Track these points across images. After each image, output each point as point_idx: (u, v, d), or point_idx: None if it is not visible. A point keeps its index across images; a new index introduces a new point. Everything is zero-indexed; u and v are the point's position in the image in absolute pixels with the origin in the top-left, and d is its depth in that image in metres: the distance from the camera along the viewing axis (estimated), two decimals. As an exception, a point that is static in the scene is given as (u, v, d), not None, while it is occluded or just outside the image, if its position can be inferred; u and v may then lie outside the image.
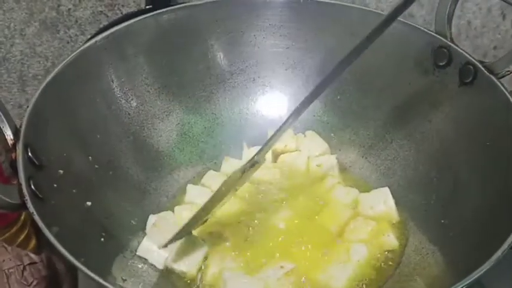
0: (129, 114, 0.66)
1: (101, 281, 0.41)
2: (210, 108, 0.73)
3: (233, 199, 0.63)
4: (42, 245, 0.83)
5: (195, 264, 0.55)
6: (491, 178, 0.56)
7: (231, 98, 0.74)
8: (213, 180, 0.66)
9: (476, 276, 0.42)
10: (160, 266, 0.56)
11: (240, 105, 0.74)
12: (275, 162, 0.71)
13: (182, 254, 0.55)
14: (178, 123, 0.71)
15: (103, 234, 0.54)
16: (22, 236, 0.80)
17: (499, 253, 0.44)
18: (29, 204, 0.44)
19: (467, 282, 0.42)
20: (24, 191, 0.45)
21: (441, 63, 0.63)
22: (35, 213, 0.44)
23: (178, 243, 0.56)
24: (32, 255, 0.69)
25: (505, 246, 0.44)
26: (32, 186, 0.47)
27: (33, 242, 0.83)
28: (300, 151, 0.71)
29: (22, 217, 0.80)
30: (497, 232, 0.46)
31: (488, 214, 0.53)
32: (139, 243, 0.59)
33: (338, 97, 0.72)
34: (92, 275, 0.41)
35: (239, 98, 0.74)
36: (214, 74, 0.72)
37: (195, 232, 0.58)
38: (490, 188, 0.55)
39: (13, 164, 0.48)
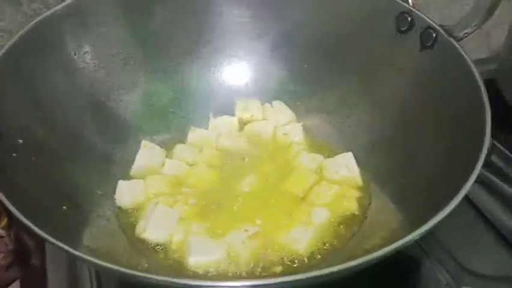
0: (93, 85, 0.65)
1: (62, 245, 0.41)
2: (177, 78, 0.72)
3: (200, 166, 0.64)
4: (13, 220, 0.82)
5: (167, 233, 0.56)
6: (447, 139, 0.57)
7: (197, 69, 0.73)
8: (182, 153, 0.66)
9: (427, 228, 0.43)
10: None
11: (207, 76, 0.74)
12: (241, 131, 0.71)
13: (155, 224, 0.56)
14: (145, 94, 0.70)
15: (67, 204, 0.54)
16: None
17: (447, 209, 0.45)
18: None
19: (420, 232, 0.43)
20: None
21: (403, 28, 0.64)
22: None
23: (150, 214, 0.56)
24: (0, 230, 0.68)
25: (455, 202, 0.45)
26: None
27: (5, 220, 0.82)
28: (267, 120, 0.71)
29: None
30: (450, 189, 0.47)
31: (445, 172, 0.55)
32: (105, 213, 0.59)
33: (305, 66, 0.73)
34: (51, 239, 0.41)
35: (206, 68, 0.74)
36: (180, 44, 0.72)
37: (163, 201, 0.58)
38: (446, 149, 0.57)
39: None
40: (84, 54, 0.64)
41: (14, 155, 0.51)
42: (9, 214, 0.83)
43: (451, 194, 0.46)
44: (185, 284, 0.40)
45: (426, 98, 0.62)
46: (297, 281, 0.41)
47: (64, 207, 0.53)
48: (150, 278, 0.40)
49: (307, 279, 0.41)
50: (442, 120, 0.59)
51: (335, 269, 0.41)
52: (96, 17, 0.64)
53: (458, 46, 0.59)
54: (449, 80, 0.59)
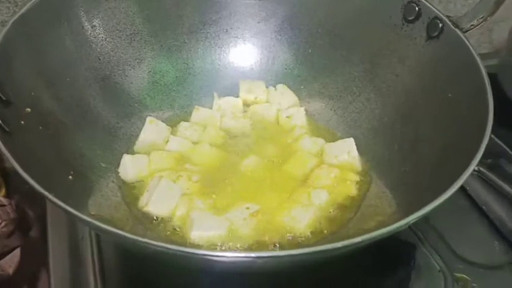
0: (99, 59, 0.65)
1: (67, 208, 0.41)
2: (182, 57, 0.73)
3: (205, 146, 0.64)
4: (12, 192, 0.83)
5: (170, 207, 0.56)
6: (449, 128, 0.58)
7: (203, 49, 0.74)
8: (186, 131, 0.67)
9: (421, 214, 0.44)
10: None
11: (212, 56, 0.74)
12: (245, 112, 0.71)
13: (158, 198, 0.56)
14: (150, 71, 0.71)
15: (72, 172, 0.55)
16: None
17: (442, 198, 0.46)
18: (-6, 134, 0.44)
19: (415, 217, 0.44)
20: (-11, 122, 0.45)
21: (410, 18, 0.65)
22: (1, 143, 0.44)
23: (153, 188, 0.57)
24: (1, 198, 0.69)
25: (452, 190, 0.46)
26: (-1, 120, 0.47)
27: (3, 191, 0.83)
28: (270, 103, 0.72)
29: (-9, 166, 0.80)
30: (447, 180, 0.48)
31: (444, 162, 0.56)
32: (108, 185, 0.59)
33: (310, 50, 0.73)
34: (58, 201, 0.41)
35: (211, 48, 0.74)
36: (186, 23, 0.72)
37: (166, 176, 0.59)
38: (446, 139, 0.58)
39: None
40: (92, 27, 0.64)
41: (22, 123, 0.52)
42: (7, 185, 0.84)
43: (447, 184, 0.47)
44: (184, 252, 0.40)
45: (429, 88, 0.63)
46: (293, 255, 0.42)
47: (70, 177, 0.54)
48: (151, 244, 0.40)
49: (302, 254, 0.42)
50: (444, 110, 0.60)
51: (330, 246, 0.42)
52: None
53: (464, 37, 0.59)
54: (454, 71, 0.60)
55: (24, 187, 0.77)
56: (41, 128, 0.54)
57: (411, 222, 0.43)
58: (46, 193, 0.42)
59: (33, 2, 0.57)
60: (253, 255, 0.40)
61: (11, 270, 0.66)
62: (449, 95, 0.60)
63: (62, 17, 0.61)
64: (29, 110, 0.53)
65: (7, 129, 0.47)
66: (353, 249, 0.44)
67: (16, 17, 0.55)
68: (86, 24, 0.63)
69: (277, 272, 0.48)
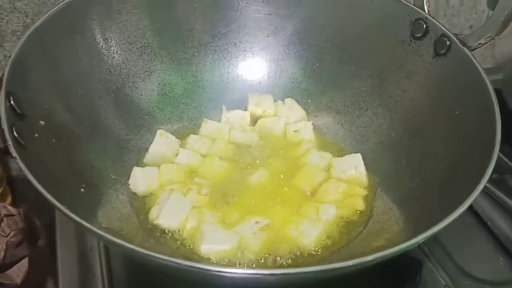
0: (110, 71, 0.66)
1: (81, 221, 0.42)
2: (191, 70, 0.73)
3: (213, 158, 0.65)
4: (18, 200, 0.83)
5: (180, 220, 0.57)
6: (457, 146, 0.59)
7: (212, 62, 0.74)
8: (195, 144, 0.68)
9: (430, 234, 0.44)
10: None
11: (221, 69, 0.75)
12: (253, 125, 0.72)
13: (169, 211, 0.57)
14: (159, 84, 0.71)
15: (83, 185, 0.55)
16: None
17: (453, 215, 0.46)
18: (12, 149, 0.45)
19: (424, 237, 0.44)
20: (7, 135, 0.46)
21: (417, 35, 0.66)
22: (17, 157, 0.45)
23: (164, 201, 0.57)
24: (10, 208, 0.69)
25: (461, 209, 0.47)
26: (15, 133, 0.47)
27: (9, 199, 0.83)
28: (279, 117, 0.73)
29: (-2, 174, 0.81)
30: (455, 198, 0.49)
31: (452, 179, 0.56)
32: (118, 197, 0.60)
33: (317, 64, 0.74)
34: (71, 214, 0.42)
35: (220, 61, 0.75)
36: (196, 36, 0.73)
37: (177, 189, 0.60)
38: (454, 157, 0.58)
39: (-6, 111, 0.48)
40: (104, 40, 0.65)
41: (36, 135, 0.52)
42: (14, 194, 0.84)
43: (455, 202, 0.48)
44: (196, 268, 0.41)
45: (437, 105, 0.64)
46: (306, 273, 0.42)
47: (82, 189, 0.54)
48: (162, 259, 0.41)
49: (314, 272, 0.42)
50: (451, 127, 0.61)
51: (343, 264, 0.43)
52: (119, 5, 0.65)
53: (471, 56, 0.60)
54: (461, 89, 0.61)
55: (30, 196, 0.78)
56: (54, 140, 0.55)
57: (421, 241, 0.44)
58: (61, 206, 0.42)
59: (48, 15, 0.58)
60: (266, 272, 0.41)
61: (18, 280, 0.66)
62: (457, 112, 0.60)
63: (76, 29, 0.61)
64: (42, 122, 0.54)
65: (22, 143, 0.48)
66: (363, 266, 0.44)
67: (31, 29, 0.56)
68: (98, 37, 0.64)
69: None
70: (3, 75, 0.51)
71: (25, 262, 0.67)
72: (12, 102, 0.50)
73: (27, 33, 0.55)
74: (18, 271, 0.66)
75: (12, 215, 0.68)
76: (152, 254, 0.41)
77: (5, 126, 0.47)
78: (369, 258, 0.41)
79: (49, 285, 0.72)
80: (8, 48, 0.87)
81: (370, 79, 0.71)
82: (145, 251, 0.41)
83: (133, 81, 0.69)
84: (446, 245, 0.65)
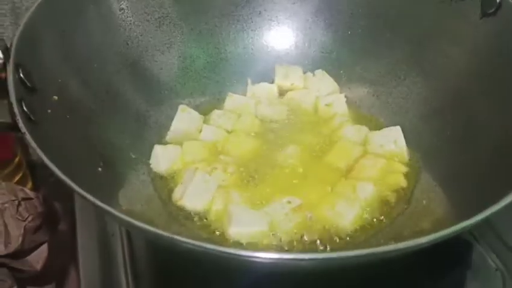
0: (127, 44, 0.62)
1: (97, 202, 0.38)
2: (213, 42, 0.69)
3: (239, 134, 0.61)
4: (38, 185, 0.81)
5: (206, 201, 0.53)
6: (508, 115, 0.53)
7: (235, 32, 0.70)
8: (220, 119, 0.63)
9: (481, 218, 0.39)
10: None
11: (245, 40, 0.70)
12: (281, 99, 0.67)
13: (193, 192, 0.53)
14: (180, 57, 0.67)
15: (101, 164, 0.51)
16: (17, 177, 0.78)
17: (506, 200, 0.41)
18: (21, 124, 0.41)
19: (472, 222, 0.39)
20: (16, 110, 0.42)
21: (463, -6, 0.59)
22: (26, 133, 0.41)
23: (188, 181, 0.54)
24: (28, 191, 0.66)
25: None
26: (24, 108, 0.43)
27: (29, 184, 0.81)
28: (309, 89, 0.68)
29: (17, 158, 0.78)
30: (507, 178, 0.44)
31: (503, 153, 0.51)
32: (139, 177, 0.56)
33: (349, 32, 0.69)
34: (86, 195, 0.38)
35: (244, 31, 0.70)
36: (217, 5, 0.69)
37: (201, 168, 0.56)
38: (506, 127, 0.53)
39: (3, 84, 0.45)
40: (120, 10, 0.61)
41: (49, 111, 0.48)
42: (34, 178, 0.82)
43: (508, 182, 0.42)
44: (225, 253, 0.37)
45: (484, 70, 0.58)
46: (352, 257, 0.37)
47: (99, 169, 0.51)
48: (188, 243, 0.37)
49: (355, 257, 0.37)
50: (501, 94, 0.55)
51: (386, 248, 0.38)
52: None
53: (525, 13, 0.54)
54: (511, 50, 0.55)
55: (51, 180, 0.75)
56: (68, 116, 0.51)
57: (475, 224, 0.39)
58: (75, 186, 0.38)
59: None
60: (305, 256, 0.36)
61: (38, 266, 0.64)
62: (506, 78, 0.54)
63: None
64: (56, 97, 0.50)
65: (33, 118, 0.44)
66: (411, 250, 0.39)
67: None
68: (114, 6, 0.60)
69: (327, 272, 0.44)
70: (11, 45, 0.47)
71: (45, 248, 0.64)
72: (21, 74, 0.46)
73: (36, 4, 0.51)
74: (38, 257, 0.63)
75: (31, 199, 0.65)
76: (178, 237, 0.37)
77: (13, 99, 0.43)
78: (413, 243, 0.36)
79: (71, 271, 0.69)
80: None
81: (407, 45, 0.65)
82: (170, 235, 0.37)
83: (152, 54, 0.65)
84: (495, 226, 0.59)
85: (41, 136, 0.43)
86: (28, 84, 0.47)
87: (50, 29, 0.52)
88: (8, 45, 0.47)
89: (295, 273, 0.47)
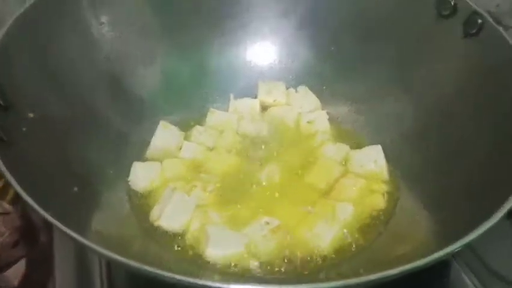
0: (109, 58, 0.61)
1: (71, 233, 0.37)
2: (196, 56, 0.68)
3: (220, 151, 0.60)
4: (19, 196, 0.80)
5: (183, 222, 0.53)
6: (489, 135, 0.53)
7: (218, 45, 0.69)
8: (201, 136, 0.63)
9: (464, 243, 0.39)
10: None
11: (228, 54, 0.69)
12: (263, 114, 0.67)
13: (171, 212, 0.52)
14: (162, 71, 0.66)
15: (78, 183, 0.50)
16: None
17: (491, 222, 0.41)
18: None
19: (456, 247, 0.39)
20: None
21: (445, 13, 0.59)
22: (-5, 154, 0.40)
23: (166, 201, 0.53)
24: (6, 205, 0.66)
25: (499, 215, 0.41)
26: (-4, 127, 0.42)
27: (10, 194, 0.79)
28: (291, 106, 0.67)
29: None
30: (493, 199, 0.44)
31: (485, 177, 0.50)
32: (117, 195, 0.55)
33: (332, 48, 0.68)
34: (59, 224, 0.37)
35: (227, 45, 0.69)
36: (200, 17, 0.67)
37: (180, 187, 0.55)
38: (486, 147, 0.52)
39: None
40: (100, 24, 0.60)
41: (24, 129, 0.48)
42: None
43: (492, 205, 0.42)
44: (196, 284, 0.36)
45: (467, 89, 0.57)
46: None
47: (75, 188, 0.50)
48: (163, 276, 0.36)
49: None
50: (484, 113, 0.55)
51: (364, 279, 0.38)
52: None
53: (506, 35, 0.54)
54: (493, 71, 0.55)
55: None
56: (44, 134, 0.50)
57: (456, 250, 0.38)
58: (45, 213, 0.38)
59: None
60: None
61: (16, 282, 0.63)
62: (489, 96, 0.54)
63: (67, 12, 0.56)
64: (31, 114, 0.49)
65: (5, 139, 0.43)
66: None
67: (18, 14, 0.51)
68: (92, 20, 0.59)
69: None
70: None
71: (22, 263, 0.63)
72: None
73: (13, 18, 0.50)
74: (16, 273, 0.63)
75: (8, 213, 0.64)
76: (150, 269, 0.36)
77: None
78: (394, 271, 0.36)
79: (50, 286, 0.68)
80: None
81: (391, 63, 0.65)
82: (144, 267, 0.36)
83: (133, 68, 0.64)
84: (474, 245, 0.59)
85: (14, 157, 0.43)
86: (0, 102, 0.46)
87: (26, 44, 0.51)
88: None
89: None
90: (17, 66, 0.50)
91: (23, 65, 0.51)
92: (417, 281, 0.55)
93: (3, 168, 0.39)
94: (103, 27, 0.60)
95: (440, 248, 0.39)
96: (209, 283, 0.35)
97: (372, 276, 0.36)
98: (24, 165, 0.43)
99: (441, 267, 0.58)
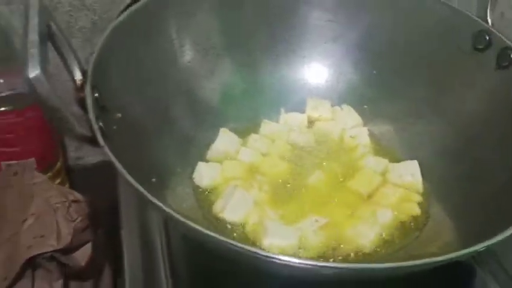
0: (181, 70, 0.69)
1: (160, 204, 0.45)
2: (252, 73, 0.76)
3: (273, 157, 0.68)
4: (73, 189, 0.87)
5: (243, 215, 0.60)
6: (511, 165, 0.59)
7: (272, 66, 0.76)
8: (256, 143, 0.70)
9: (483, 246, 0.45)
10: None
11: (280, 73, 0.77)
12: (310, 128, 0.74)
13: (233, 206, 0.60)
14: (220, 84, 0.74)
15: (155, 176, 0.58)
16: (57, 181, 0.85)
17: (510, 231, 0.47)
18: (99, 138, 0.48)
19: (475, 249, 0.45)
20: (94, 126, 0.49)
21: (480, 47, 0.67)
22: (105, 145, 0.48)
23: (229, 196, 0.61)
24: (77, 194, 0.72)
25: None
26: (101, 124, 0.51)
27: (66, 185, 0.88)
28: (335, 121, 0.75)
29: (59, 163, 0.85)
30: (507, 218, 0.50)
31: (506, 196, 0.57)
32: (184, 190, 0.63)
33: (374, 72, 0.76)
34: (157, 202, 0.45)
35: (280, 65, 0.77)
36: (258, 41, 0.75)
37: (240, 185, 0.63)
38: (509, 174, 0.59)
39: (81, 102, 0.52)
40: (179, 40, 0.68)
41: (115, 127, 0.55)
42: (71, 184, 0.89)
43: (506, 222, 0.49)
44: (259, 254, 0.43)
45: (494, 118, 0.65)
46: (362, 270, 0.45)
47: (153, 179, 0.58)
48: (230, 244, 0.43)
49: (372, 269, 0.45)
50: (507, 144, 0.62)
51: (404, 264, 0.45)
52: (193, 5, 0.68)
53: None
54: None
55: (84, 185, 0.82)
56: (129, 133, 0.58)
57: (474, 252, 0.45)
58: (147, 194, 0.45)
59: (128, 12, 0.61)
60: (332, 265, 0.43)
61: (83, 263, 0.69)
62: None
63: (155, 28, 0.65)
64: (119, 115, 0.57)
65: (106, 134, 0.51)
66: (418, 269, 0.46)
67: (111, 27, 0.59)
68: (174, 36, 0.67)
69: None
70: (87, 70, 0.54)
71: (89, 246, 0.70)
72: (96, 94, 0.53)
73: (108, 30, 0.58)
74: (83, 254, 0.69)
75: (79, 201, 0.71)
76: (221, 238, 0.43)
77: (92, 117, 0.50)
78: (419, 262, 0.43)
79: (107, 270, 0.75)
80: (74, 43, 0.91)
81: (427, 88, 0.72)
82: (213, 234, 0.44)
83: (199, 80, 0.72)
84: (498, 254, 0.65)
85: (113, 149, 0.51)
86: (100, 103, 0.54)
87: (118, 55, 0.60)
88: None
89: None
90: (111, 74, 0.58)
91: (116, 72, 0.59)
92: (444, 286, 0.62)
93: (111, 156, 0.47)
94: (180, 42, 0.68)
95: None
96: (279, 256, 0.42)
97: (411, 263, 0.43)
98: (119, 156, 0.51)
99: (467, 274, 0.65)
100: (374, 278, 0.50)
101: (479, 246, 0.46)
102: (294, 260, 0.43)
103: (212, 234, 0.44)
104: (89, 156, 0.95)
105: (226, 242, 0.44)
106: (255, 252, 0.43)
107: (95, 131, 0.49)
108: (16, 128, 0.76)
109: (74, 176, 0.93)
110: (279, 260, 0.42)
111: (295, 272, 0.47)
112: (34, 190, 0.69)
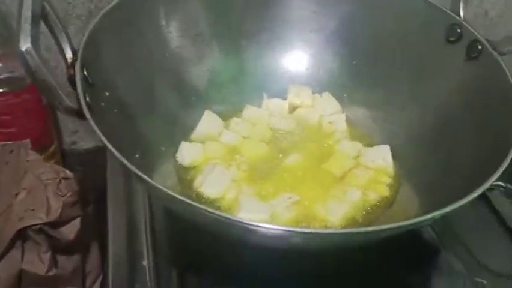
0: (168, 54, 0.73)
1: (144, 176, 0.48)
2: (237, 60, 0.79)
3: (253, 140, 0.71)
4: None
5: (221, 190, 0.64)
6: (480, 147, 0.63)
7: (256, 53, 0.80)
8: (237, 126, 0.74)
9: (441, 213, 0.49)
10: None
11: (264, 60, 0.80)
12: (291, 113, 0.78)
13: (212, 181, 0.64)
14: (207, 70, 0.77)
15: (139, 153, 0.62)
16: (52, 162, 0.88)
17: (464, 200, 0.51)
18: (85, 111, 0.52)
19: (434, 215, 0.49)
20: (81, 100, 0.53)
21: (452, 39, 0.70)
22: (90, 118, 0.51)
23: (208, 172, 0.64)
24: (68, 172, 0.76)
25: (473, 195, 0.52)
26: (87, 99, 0.54)
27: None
28: (315, 108, 0.78)
29: (53, 146, 0.88)
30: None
31: (471, 176, 0.59)
32: (167, 168, 0.67)
33: (354, 62, 0.79)
34: (139, 173, 0.49)
35: (264, 53, 0.80)
36: (245, 30, 0.79)
37: (219, 163, 0.66)
38: (477, 156, 0.62)
39: (71, 79, 0.56)
40: (167, 25, 0.71)
41: (102, 104, 0.59)
42: (64, 165, 0.92)
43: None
44: (235, 221, 0.47)
45: (466, 106, 0.68)
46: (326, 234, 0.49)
47: (137, 155, 0.61)
48: (205, 210, 0.47)
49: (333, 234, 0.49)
50: (478, 128, 0.65)
51: (363, 230, 0.50)
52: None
53: (500, 59, 0.65)
54: (489, 91, 0.65)
55: (78, 169, 0.86)
56: (115, 110, 0.62)
57: (434, 218, 0.49)
58: (128, 164, 0.49)
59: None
60: (296, 230, 0.47)
61: (71, 237, 0.72)
62: (485, 114, 0.65)
63: (144, 12, 0.68)
64: (107, 93, 0.61)
65: (92, 108, 0.55)
66: (383, 237, 0.49)
67: (104, 10, 0.63)
68: (161, 21, 0.71)
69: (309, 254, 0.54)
70: (78, 50, 0.58)
71: (77, 221, 0.73)
72: (85, 72, 0.57)
73: (100, 13, 0.62)
74: (71, 229, 0.72)
75: (69, 179, 0.74)
76: (197, 205, 0.47)
77: (80, 92, 0.53)
78: (387, 226, 0.46)
79: (94, 246, 0.78)
80: (72, 30, 0.94)
81: (404, 78, 0.76)
82: (190, 201, 0.47)
83: (186, 65, 0.75)
84: (464, 239, 0.69)
85: (98, 123, 0.54)
86: (89, 80, 0.58)
87: (108, 38, 0.63)
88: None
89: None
90: (101, 54, 0.61)
91: (107, 52, 0.62)
92: (409, 263, 0.66)
93: (96, 128, 0.51)
94: (169, 27, 0.72)
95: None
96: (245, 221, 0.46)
97: (369, 228, 0.47)
98: (104, 131, 0.55)
99: (433, 253, 0.69)
100: (336, 245, 0.53)
101: (434, 214, 0.50)
102: (265, 226, 0.47)
103: (189, 201, 0.48)
104: (83, 141, 0.99)
105: (201, 208, 0.48)
106: (226, 218, 0.47)
107: (81, 105, 0.53)
108: (13, 110, 0.79)
109: (68, 160, 0.96)
110: (248, 225, 0.46)
111: (266, 240, 0.51)
112: (27, 167, 0.72)
